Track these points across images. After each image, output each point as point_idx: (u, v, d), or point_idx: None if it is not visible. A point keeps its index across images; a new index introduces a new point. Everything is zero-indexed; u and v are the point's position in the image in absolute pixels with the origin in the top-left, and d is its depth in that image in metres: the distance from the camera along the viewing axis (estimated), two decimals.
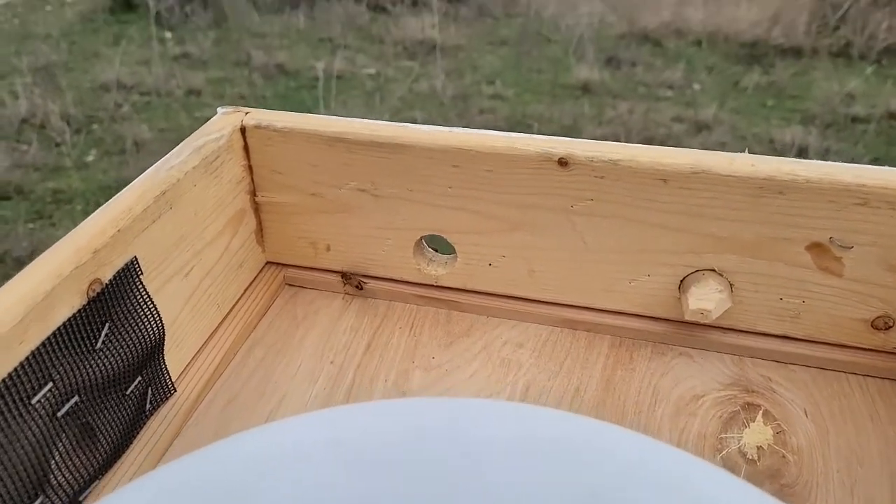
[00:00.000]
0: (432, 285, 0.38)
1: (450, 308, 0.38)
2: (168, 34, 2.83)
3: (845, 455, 0.30)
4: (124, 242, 0.28)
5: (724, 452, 0.30)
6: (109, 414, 0.27)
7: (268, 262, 0.40)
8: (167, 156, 0.32)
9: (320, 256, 0.39)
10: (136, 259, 0.28)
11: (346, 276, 0.38)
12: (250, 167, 0.36)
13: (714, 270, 0.33)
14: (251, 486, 0.19)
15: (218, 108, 0.36)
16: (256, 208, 0.38)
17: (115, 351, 0.27)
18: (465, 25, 2.99)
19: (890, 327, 0.33)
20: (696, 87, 2.48)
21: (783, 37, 2.76)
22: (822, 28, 2.79)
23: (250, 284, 0.38)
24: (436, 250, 0.38)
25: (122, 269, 0.27)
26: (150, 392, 0.30)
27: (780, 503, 0.19)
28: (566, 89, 2.47)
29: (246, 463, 0.20)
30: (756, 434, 0.31)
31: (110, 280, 0.27)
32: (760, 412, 0.32)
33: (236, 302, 0.37)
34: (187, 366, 0.33)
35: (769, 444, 0.30)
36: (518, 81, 2.54)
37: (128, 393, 0.28)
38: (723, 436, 0.31)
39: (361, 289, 0.38)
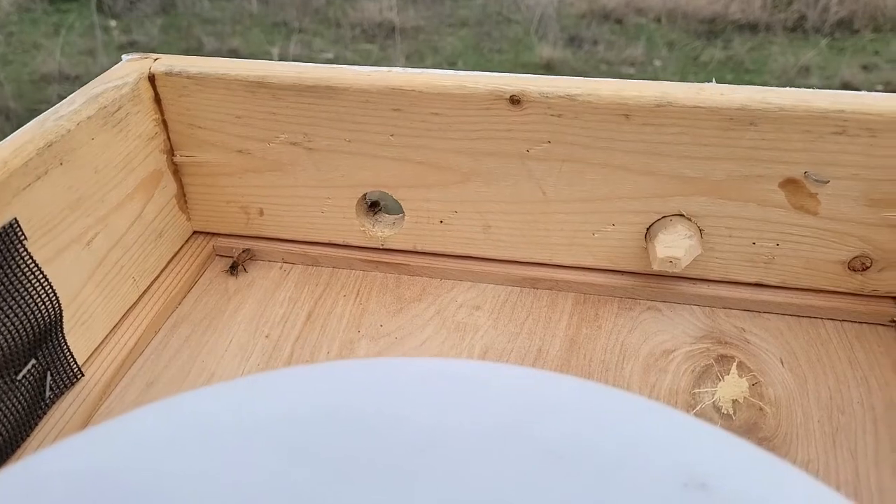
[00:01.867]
0: (379, 248, 0.34)
1: (399, 272, 0.34)
2: (113, 22, 2.72)
3: (825, 404, 0.27)
4: (0, 201, 0.23)
5: (697, 408, 0.27)
6: None
7: (195, 232, 0.36)
8: (57, 105, 0.27)
9: (253, 222, 0.35)
10: (17, 221, 0.24)
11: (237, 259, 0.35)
12: (164, 122, 0.32)
13: (682, 215, 0.30)
14: (138, 471, 0.15)
15: (123, 56, 0.32)
16: (176, 170, 0.34)
17: None
18: (424, 7, 2.94)
19: (867, 268, 0.30)
20: (657, 63, 2.47)
21: (740, 12, 2.78)
22: (778, 3, 2.81)
23: (174, 257, 0.34)
24: (379, 207, 0.35)
25: None
26: (49, 377, 0.26)
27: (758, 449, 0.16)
28: (528, 69, 2.44)
29: (133, 445, 0.16)
30: (731, 387, 0.28)
31: None
32: (735, 364, 0.29)
33: (157, 276, 0.33)
34: (97, 347, 0.29)
35: (745, 397, 0.28)
36: (480, 63, 2.50)
37: (19, 378, 0.24)
38: (696, 391, 0.28)
39: (244, 271, 0.34)
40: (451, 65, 2.48)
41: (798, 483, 0.16)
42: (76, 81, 2.34)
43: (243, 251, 0.35)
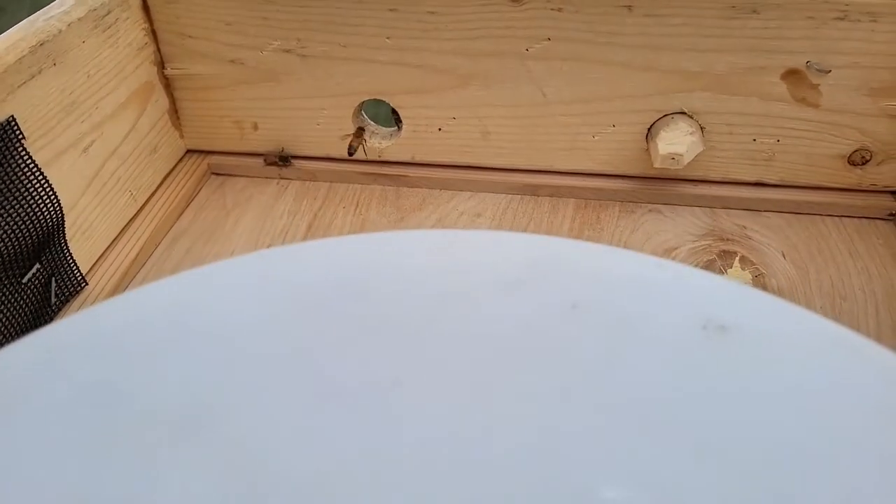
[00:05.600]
0: (376, 161, 0.34)
1: (398, 184, 0.34)
2: None
3: (828, 292, 0.28)
4: None
5: None
6: (3, 304, 0.23)
7: (188, 151, 0.35)
8: (47, 7, 0.26)
9: (247, 137, 0.34)
10: (14, 119, 0.23)
11: (268, 156, 0.34)
12: (153, 32, 0.31)
13: (684, 113, 0.30)
14: (169, 331, 0.15)
15: None
16: (167, 84, 0.33)
17: None
18: None
19: (867, 161, 0.30)
20: None
21: None
22: None
23: (169, 174, 0.34)
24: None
25: None
26: (53, 283, 0.26)
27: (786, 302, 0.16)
28: None
29: (162, 308, 0.16)
30: (735, 278, 0.28)
31: None
32: (737, 258, 0.30)
33: (154, 191, 0.32)
34: (100, 258, 0.29)
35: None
36: None
37: (25, 282, 0.24)
38: None
39: (289, 164, 0.34)
40: None
41: (814, 322, 0.16)
42: None
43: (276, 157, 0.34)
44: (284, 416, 0.14)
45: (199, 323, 0.15)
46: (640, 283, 0.17)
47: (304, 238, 0.31)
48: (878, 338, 0.26)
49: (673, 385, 0.14)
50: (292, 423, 0.14)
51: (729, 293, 0.16)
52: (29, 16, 0.25)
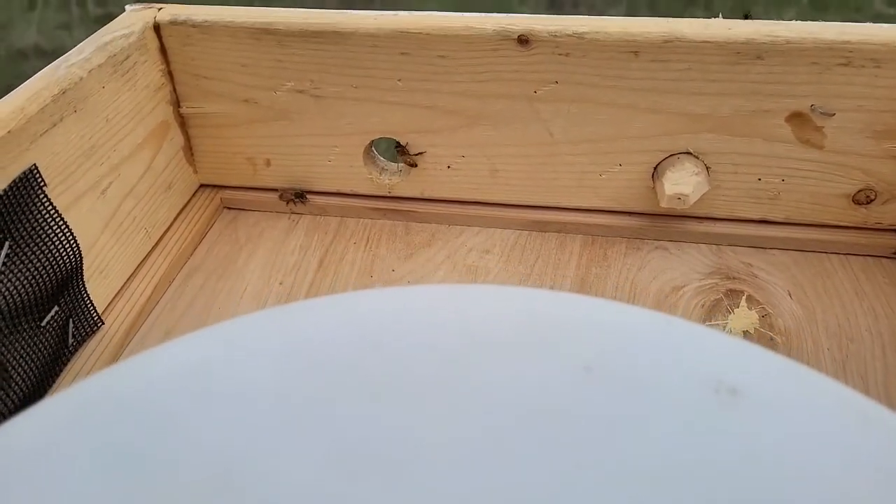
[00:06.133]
0: (386, 196, 0.35)
1: (407, 219, 0.35)
2: None
3: (834, 332, 0.28)
4: (19, 146, 0.23)
5: None
6: (22, 348, 0.24)
7: (202, 185, 0.36)
8: (67, 53, 0.27)
9: (260, 173, 0.35)
10: (37, 167, 0.24)
11: (284, 192, 0.35)
12: (170, 73, 0.32)
13: (690, 153, 0.31)
14: (189, 392, 0.16)
15: (126, 6, 0.31)
16: (183, 122, 0.34)
17: (20, 274, 0.23)
18: None
19: (872, 200, 0.31)
20: None
21: None
22: None
23: (183, 209, 0.34)
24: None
25: (20, 178, 0.23)
26: (71, 325, 0.26)
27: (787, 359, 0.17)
28: None
29: (182, 369, 0.16)
30: (741, 319, 0.29)
31: (5, 190, 0.23)
32: (744, 297, 0.30)
33: (168, 228, 0.33)
34: (115, 296, 0.29)
35: (756, 328, 0.28)
36: None
37: (43, 325, 0.25)
38: (707, 324, 0.29)
39: (305, 200, 0.35)
40: None
41: (823, 384, 0.16)
42: (52, 56, 2.27)
43: (284, 194, 0.35)
44: (304, 479, 0.14)
45: (219, 385, 0.16)
46: (652, 343, 0.17)
47: (316, 274, 0.32)
48: (886, 381, 0.26)
49: (685, 450, 0.14)
50: (312, 486, 0.14)
51: (739, 354, 0.17)
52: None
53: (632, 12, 2.47)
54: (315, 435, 0.15)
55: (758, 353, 0.17)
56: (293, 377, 0.16)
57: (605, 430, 0.15)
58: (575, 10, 2.56)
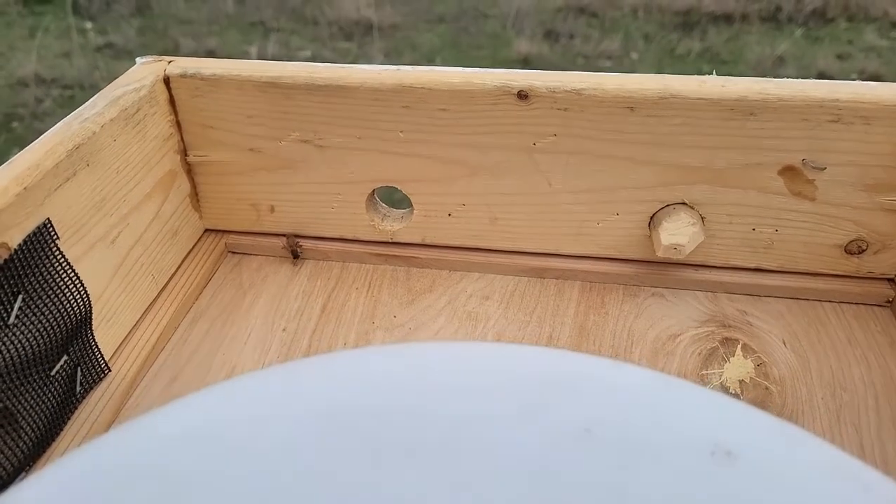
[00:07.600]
0: (388, 242, 0.35)
1: (409, 265, 0.35)
2: (88, 24, 2.68)
3: (828, 381, 0.29)
4: (34, 202, 0.24)
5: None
6: (32, 398, 0.24)
7: (206, 230, 0.37)
8: (80, 108, 0.28)
9: (264, 219, 0.36)
10: (50, 221, 0.24)
11: (289, 239, 0.36)
12: (178, 123, 0.33)
13: (685, 204, 0.32)
14: (198, 454, 0.16)
15: (137, 59, 0.32)
16: (189, 170, 0.34)
17: (32, 326, 0.24)
18: (402, 3, 2.93)
19: (863, 251, 0.32)
20: (634, 56, 2.50)
21: (714, 4, 2.81)
22: None
23: (188, 254, 0.35)
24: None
25: (34, 233, 0.24)
26: (79, 373, 0.26)
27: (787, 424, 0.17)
28: (507, 64, 2.45)
29: (190, 430, 0.17)
30: (737, 368, 0.29)
31: (20, 245, 0.23)
32: (739, 346, 0.30)
33: (174, 273, 0.34)
34: (122, 343, 0.30)
35: (751, 377, 0.29)
36: (458, 58, 2.51)
37: (53, 374, 0.25)
38: (704, 372, 0.29)
39: (299, 257, 0.35)
40: (430, 61, 2.48)
41: (818, 449, 0.17)
42: (53, 84, 2.30)
43: (290, 240, 0.35)
44: None
45: (227, 447, 0.16)
46: (649, 404, 0.17)
47: (319, 320, 0.32)
48: (880, 432, 0.27)
49: None
50: None
51: (735, 416, 0.17)
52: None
53: (626, 43, 2.50)
54: (323, 498, 0.15)
55: (754, 416, 0.18)
56: (301, 438, 0.16)
57: (604, 492, 0.15)
58: (571, 41, 2.61)
